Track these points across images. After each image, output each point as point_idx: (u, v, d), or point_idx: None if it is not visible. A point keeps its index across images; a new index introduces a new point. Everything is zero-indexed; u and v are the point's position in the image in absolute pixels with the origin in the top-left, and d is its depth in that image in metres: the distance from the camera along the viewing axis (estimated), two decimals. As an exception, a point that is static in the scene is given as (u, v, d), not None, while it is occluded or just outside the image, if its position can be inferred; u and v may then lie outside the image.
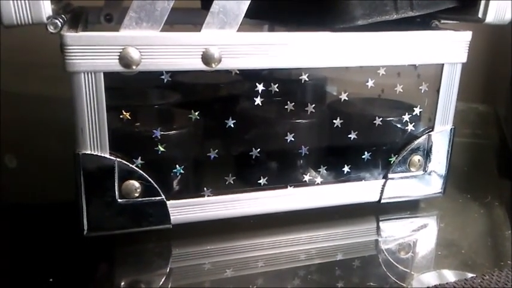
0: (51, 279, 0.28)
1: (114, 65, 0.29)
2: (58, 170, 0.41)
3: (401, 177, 0.37)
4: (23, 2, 0.26)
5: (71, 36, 0.28)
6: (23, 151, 0.47)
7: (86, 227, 0.31)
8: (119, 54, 0.28)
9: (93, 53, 0.28)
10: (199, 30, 0.30)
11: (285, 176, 0.36)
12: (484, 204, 0.40)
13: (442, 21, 0.38)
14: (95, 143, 0.30)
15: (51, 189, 0.40)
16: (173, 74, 0.31)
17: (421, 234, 0.36)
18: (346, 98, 0.35)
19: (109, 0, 0.49)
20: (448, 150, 0.38)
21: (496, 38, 0.70)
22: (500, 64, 0.70)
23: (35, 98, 0.62)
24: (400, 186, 0.37)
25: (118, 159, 0.30)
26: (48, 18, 0.27)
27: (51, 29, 0.28)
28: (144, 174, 0.31)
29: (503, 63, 0.68)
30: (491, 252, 0.34)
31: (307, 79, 0.34)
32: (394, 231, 0.36)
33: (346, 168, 0.37)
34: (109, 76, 0.29)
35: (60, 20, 0.28)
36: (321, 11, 0.33)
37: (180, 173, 0.33)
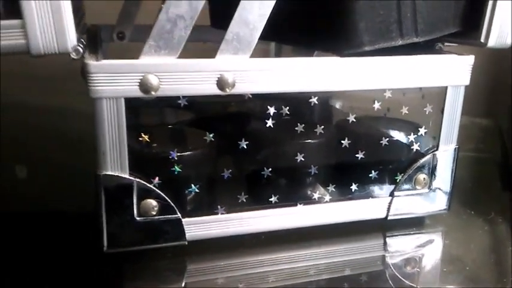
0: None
1: (135, 91, 0.30)
2: (68, 181, 0.43)
3: (407, 195, 0.38)
4: (49, 33, 0.27)
5: (94, 64, 0.29)
6: (28, 160, 0.48)
7: (106, 244, 0.32)
8: (139, 81, 0.30)
9: (115, 80, 0.29)
10: (209, 48, 0.31)
11: (295, 194, 0.37)
12: (488, 220, 0.41)
13: (446, 43, 0.40)
14: (116, 165, 0.31)
15: (64, 201, 0.41)
16: (189, 98, 0.32)
17: (426, 250, 0.37)
18: (354, 120, 0.36)
19: (121, 18, 0.50)
20: (452, 169, 0.39)
21: (499, 53, 0.71)
22: (503, 78, 0.71)
23: (39, 108, 0.62)
24: (406, 203, 0.39)
25: (137, 180, 0.32)
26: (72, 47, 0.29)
27: (73, 55, 0.29)
28: (161, 194, 0.32)
29: (506, 77, 0.69)
30: (495, 268, 0.35)
31: (316, 102, 0.35)
32: (400, 247, 0.37)
33: (354, 187, 0.38)
34: (129, 101, 0.30)
35: (81, 45, 0.30)
36: (330, 36, 0.34)
37: (195, 192, 0.34)
